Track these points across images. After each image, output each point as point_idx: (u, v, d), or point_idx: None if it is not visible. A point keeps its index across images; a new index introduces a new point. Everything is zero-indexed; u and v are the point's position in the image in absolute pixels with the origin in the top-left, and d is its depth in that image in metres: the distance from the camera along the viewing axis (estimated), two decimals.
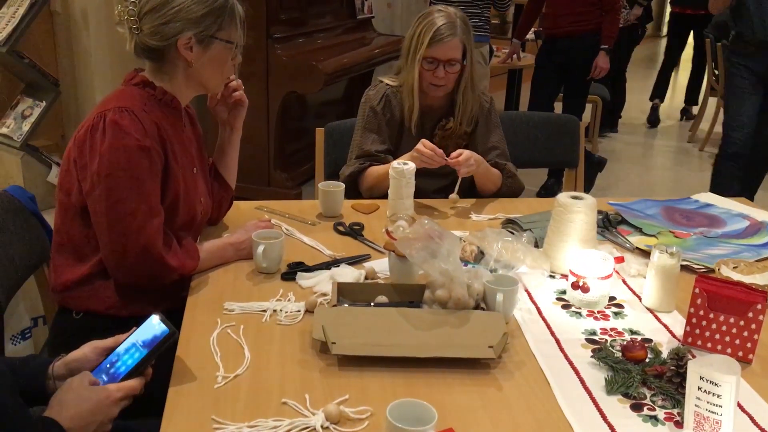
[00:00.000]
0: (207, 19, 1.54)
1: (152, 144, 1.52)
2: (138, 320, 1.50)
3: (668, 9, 12.07)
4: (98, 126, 1.50)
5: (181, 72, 1.59)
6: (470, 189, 2.16)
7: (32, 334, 2.16)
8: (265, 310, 1.47)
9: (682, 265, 1.56)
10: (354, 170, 2.16)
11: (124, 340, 1.22)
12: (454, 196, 2.06)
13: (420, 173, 1.97)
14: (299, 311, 1.46)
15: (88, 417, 1.11)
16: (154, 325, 1.20)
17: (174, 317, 1.34)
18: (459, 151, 2.00)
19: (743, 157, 3.70)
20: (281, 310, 1.46)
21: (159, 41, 1.53)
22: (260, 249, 1.59)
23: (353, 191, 2.18)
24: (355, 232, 1.87)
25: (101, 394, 1.13)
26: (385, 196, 2.01)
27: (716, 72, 5.72)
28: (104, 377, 1.18)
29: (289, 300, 1.51)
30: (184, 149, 1.64)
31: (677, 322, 1.48)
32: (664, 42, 11.92)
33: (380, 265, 1.66)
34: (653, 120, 6.50)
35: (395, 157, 2.19)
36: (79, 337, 1.57)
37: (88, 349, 1.23)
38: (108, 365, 1.20)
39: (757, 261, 1.72)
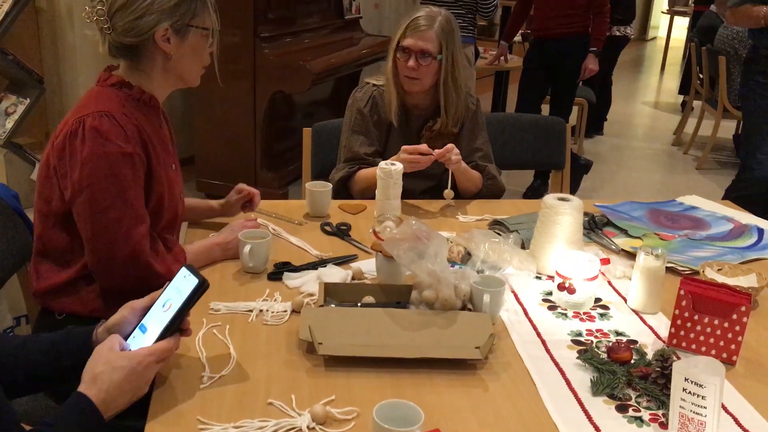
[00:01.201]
0: (180, 7, 1.51)
1: (134, 149, 1.48)
2: None
3: (654, 13, 12.19)
4: (77, 132, 1.45)
5: (159, 66, 1.56)
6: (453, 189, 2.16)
7: (14, 333, 2.14)
8: (251, 310, 1.46)
9: (667, 267, 1.57)
10: (344, 175, 2.16)
11: (159, 297, 1.21)
12: (448, 191, 2.07)
13: (407, 174, 1.97)
14: (286, 311, 1.46)
15: (122, 386, 1.10)
16: (184, 279, 1.19)
17: None
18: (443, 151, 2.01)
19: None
20: (267, 310, 1.46)
21: (134, 37, 1.50)
22: (247, 249, 1.59)
23: (344, 194, 2.18)
24: (342, 232, 1.87)
25: (134, 361, 1.11)
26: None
27: (701, 75, 5.77)
28: (141, 337, 1.18)
29: (275, 300, 1.51)
30: (164, 148, 1.62)
31: (662, 324, 1.49)
32: (649, 45, 12.04)
33: (367, 266, 1.65)
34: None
35: (384, 158, 2.19)
36: None
37: (127, 311, 1.22)
38: (145, 324, 1.19)
39: (741, 263, 1.74)
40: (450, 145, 2.01)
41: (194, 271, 1.20)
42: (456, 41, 2.13)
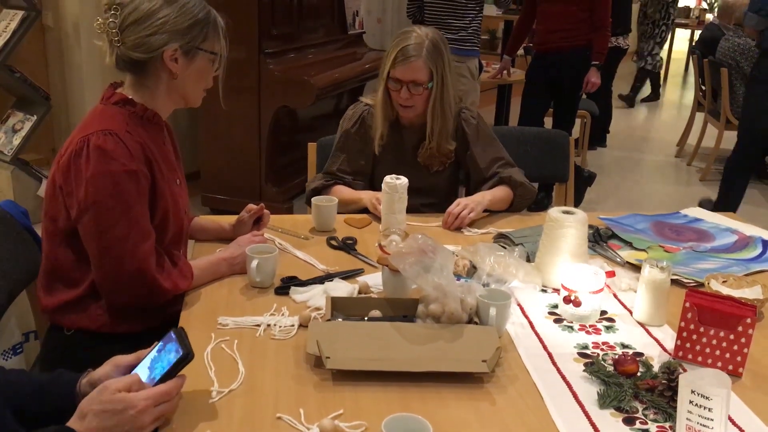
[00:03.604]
0: (192, 30, 1.53)
1: (138, 167, 1.50)
2: (129, 336, 1.49)
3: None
4: (82, 151, 1.47)
5: (164, 84, 1.57)
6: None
7: (24, 349, 2.15)
8: (259, 325, 1.47)
9: (672, 280, 1.57)
10: (318, 186, 2.21)
11: (145, 357, 1.20)
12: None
13: (410, 189, 1.97)
14: (293, 326, 1.47)
15: (110, 428, 1.08)
16: (172, 344, 1.18)
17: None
18: (447, 212, 2.03)
19: None
20: (275, 325, 1.46)
21: (143, 53, 1.51)
22: (254, 264, 1.60)
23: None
24: (348, 246, 1.88)
25: (127, 404, 1.10)
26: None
27: (703, 87, 5.78)
28: None
29: (282, 314, 1.52)
30: (167, 164, 1.63)
31: (668, 336, 1.49)
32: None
33: (373, 280, 1.66)
34: None
35: (374, 175, 2.21)
36: (71, 352, 1.57)
37: (110, 367, 1.21)
38: None
39: (745, 275, 1.74)
40: (456, 210, 2.01)
41: (182, 339, 1.18)
42: (445, 61, 2.11)
